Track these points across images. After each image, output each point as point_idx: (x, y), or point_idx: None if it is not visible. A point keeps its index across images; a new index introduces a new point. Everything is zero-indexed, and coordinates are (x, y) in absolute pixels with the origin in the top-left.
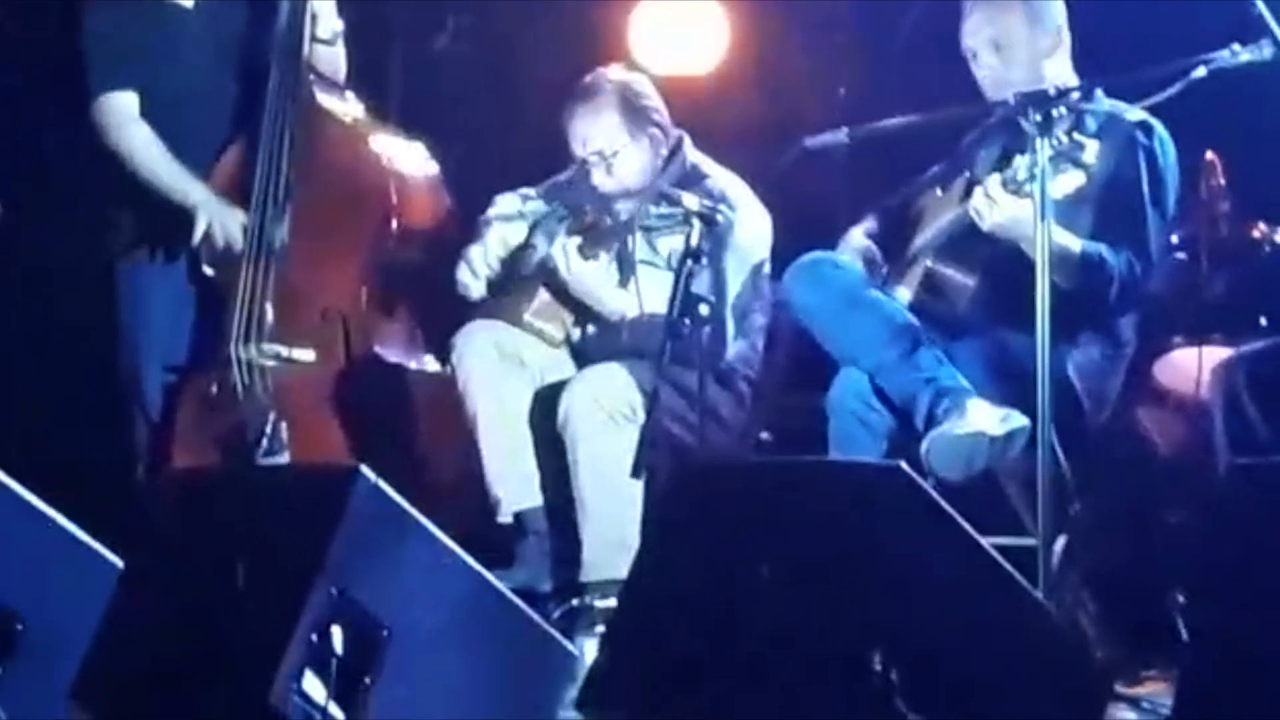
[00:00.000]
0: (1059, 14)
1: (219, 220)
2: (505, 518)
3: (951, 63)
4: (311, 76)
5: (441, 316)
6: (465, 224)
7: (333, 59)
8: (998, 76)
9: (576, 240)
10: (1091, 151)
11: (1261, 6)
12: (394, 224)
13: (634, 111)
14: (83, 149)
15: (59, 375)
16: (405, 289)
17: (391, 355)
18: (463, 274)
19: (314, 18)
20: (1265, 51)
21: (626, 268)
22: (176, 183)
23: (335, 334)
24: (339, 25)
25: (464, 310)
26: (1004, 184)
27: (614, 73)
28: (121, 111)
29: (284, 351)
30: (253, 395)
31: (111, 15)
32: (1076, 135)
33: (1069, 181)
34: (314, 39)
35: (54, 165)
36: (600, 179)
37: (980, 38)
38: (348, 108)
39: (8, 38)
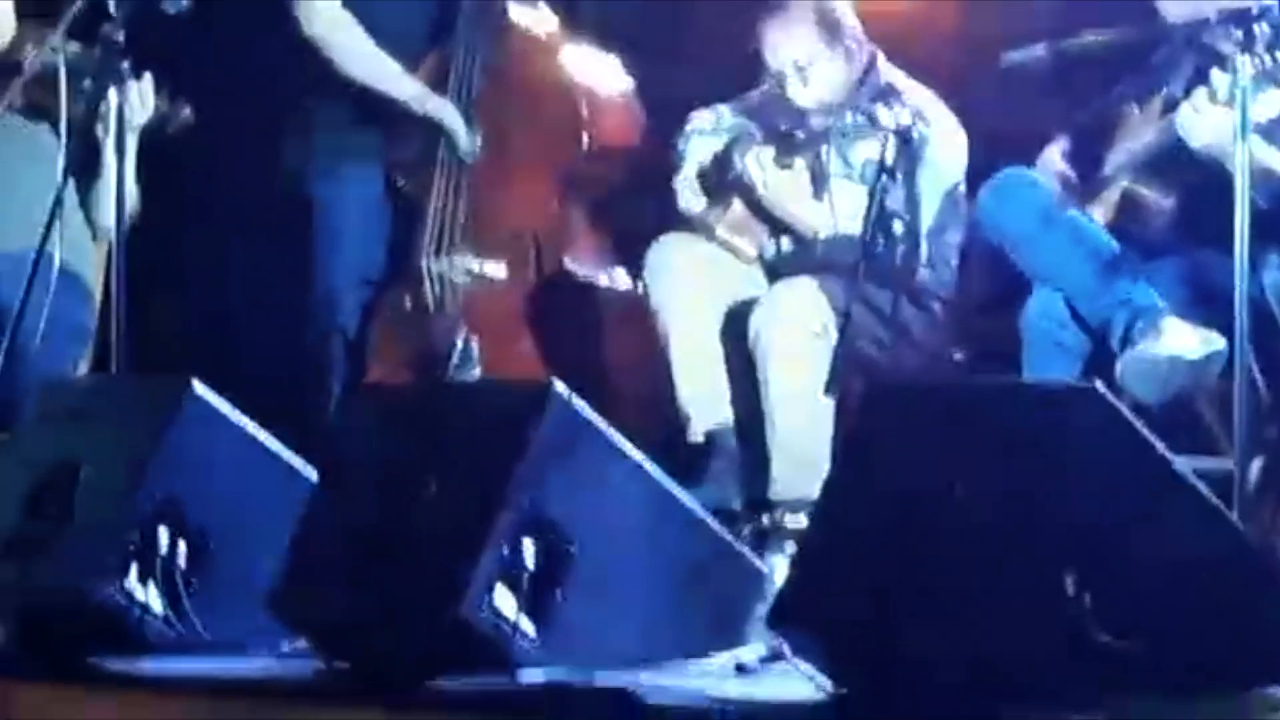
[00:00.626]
0: None
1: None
2: (696, 436)
3: None
4: None
5: (633, 231)
6: (660, 139)
7: None
8: None
9: (771, 152)
10: None
11: None
12: (585, 139)
13: (830, 23)
14: (277, 49)
15: (254, 289)
16: (597, 203)
17: (583, 271)
18: (684, 200)
19: None
20: None
21: (821, 181)
22: (400, 83)
23: (526, 249)
24: None
25: (657, 224)
26: (1210, 98)
27: None
28: (330, 8)
29: (475, 266)
30: (444, 310)
31: None
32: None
33: (1273, 101)
34: None
35: (246, 68)
36: (795, 91)
37: None
38: (540, 20)
39: None
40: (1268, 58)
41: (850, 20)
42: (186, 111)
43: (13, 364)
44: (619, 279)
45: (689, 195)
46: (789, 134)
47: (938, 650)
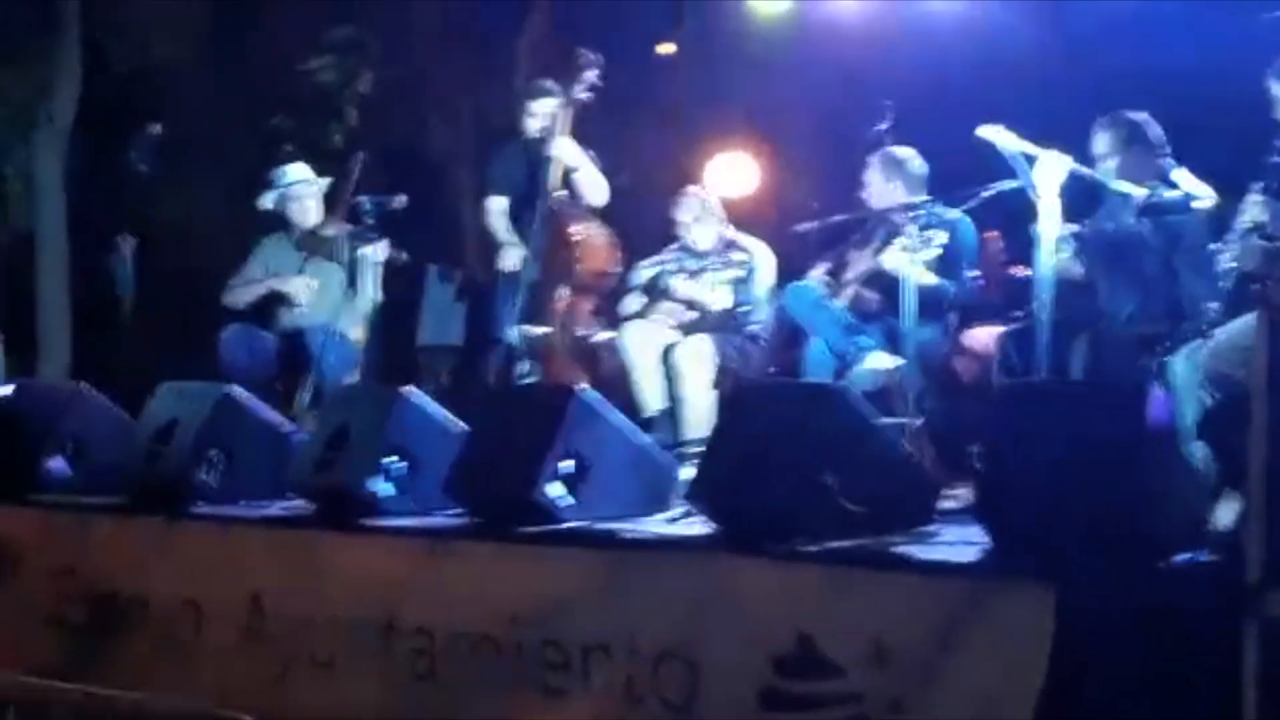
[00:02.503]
0: (919, 167)
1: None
2: (648, 412)
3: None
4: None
5: (612, 313)
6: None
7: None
8: (881, 196)
9: (684, 274)
10: (939, 237)
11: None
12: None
13: (706, 205)
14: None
15: None
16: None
17: (588, 334)
18: (628, 302)
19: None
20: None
21: (706, 285)
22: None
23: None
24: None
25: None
26: (901, 249)
27: (694, 189)
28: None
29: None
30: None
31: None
32: (930, 231)
33: (929, 252)
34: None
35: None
36: (690, 239)
37: (872, 172)
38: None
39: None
40: (924, 231)
41: (716, 204)
42: (404, 256)
43: (320, 381)
44: (605, 338)
45: (635, 300)
46: (691, 263)
47: (763, 510)
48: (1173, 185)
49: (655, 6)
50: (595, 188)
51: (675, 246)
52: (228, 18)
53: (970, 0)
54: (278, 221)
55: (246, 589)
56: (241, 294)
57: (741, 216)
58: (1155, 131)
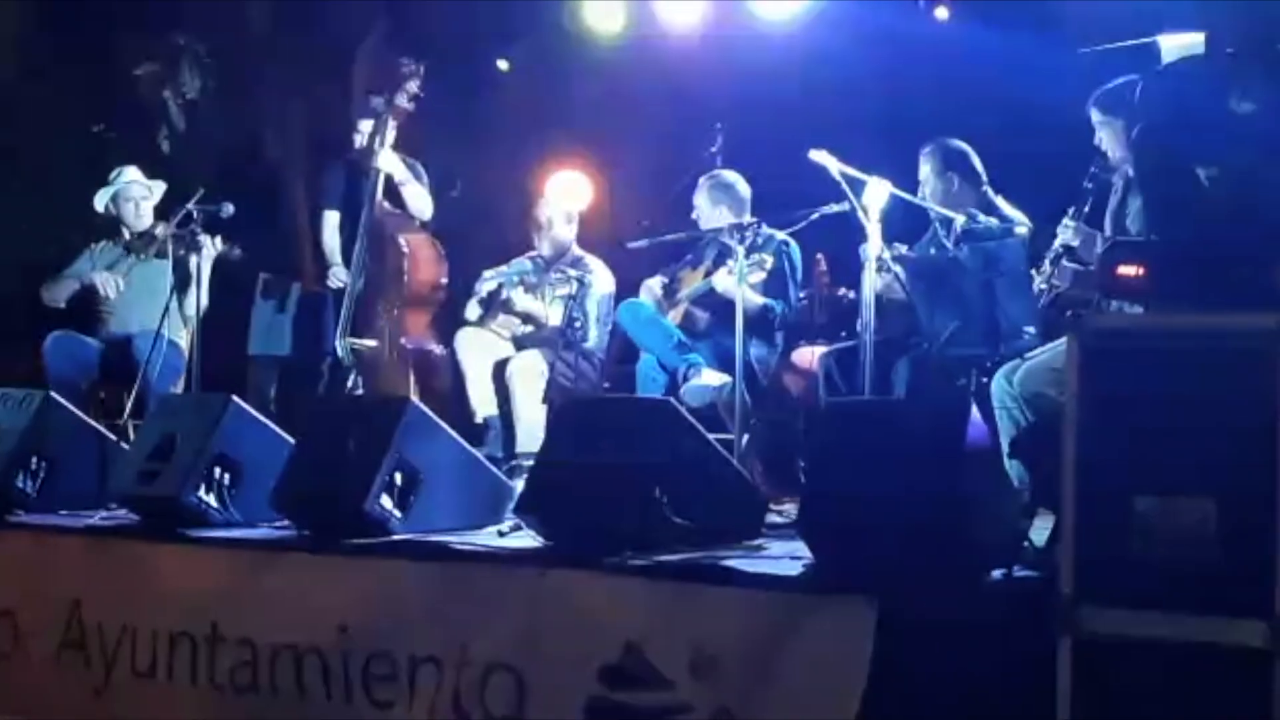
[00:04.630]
0: (745, 190)
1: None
2: (479, 420)
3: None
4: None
5: (449, 323)
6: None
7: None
8: (709, 218)
9: (522, 288)
10: (767, 259)
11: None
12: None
13: (559, 221)
14: None
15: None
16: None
17: (419, 345)
18: (470, 312)
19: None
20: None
21: (544, 300)
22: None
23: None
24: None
25: (459, 321)
26: (728, 271)
27: (550, 200)
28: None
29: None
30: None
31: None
32: (759, 254)
33: (758, 273)
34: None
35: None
36: (540, 249)
37: (700, 195)
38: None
39: None
40: (752, 254)
41: (562, 218)
42: (237, 251)
43: (145, 387)
44: (440, 349)
45: (474, 308)
46: (531, 276)
47: (593, 523)
48: (992, 211)
49: (492, 23)
50: (420, 201)
51: (523, 257)
52: (51, 26)
53: (801, 28)
54: (110, 225)
55: (66, 598)
56: (57, 290)
57: (578, 233)
58: (975, 160)
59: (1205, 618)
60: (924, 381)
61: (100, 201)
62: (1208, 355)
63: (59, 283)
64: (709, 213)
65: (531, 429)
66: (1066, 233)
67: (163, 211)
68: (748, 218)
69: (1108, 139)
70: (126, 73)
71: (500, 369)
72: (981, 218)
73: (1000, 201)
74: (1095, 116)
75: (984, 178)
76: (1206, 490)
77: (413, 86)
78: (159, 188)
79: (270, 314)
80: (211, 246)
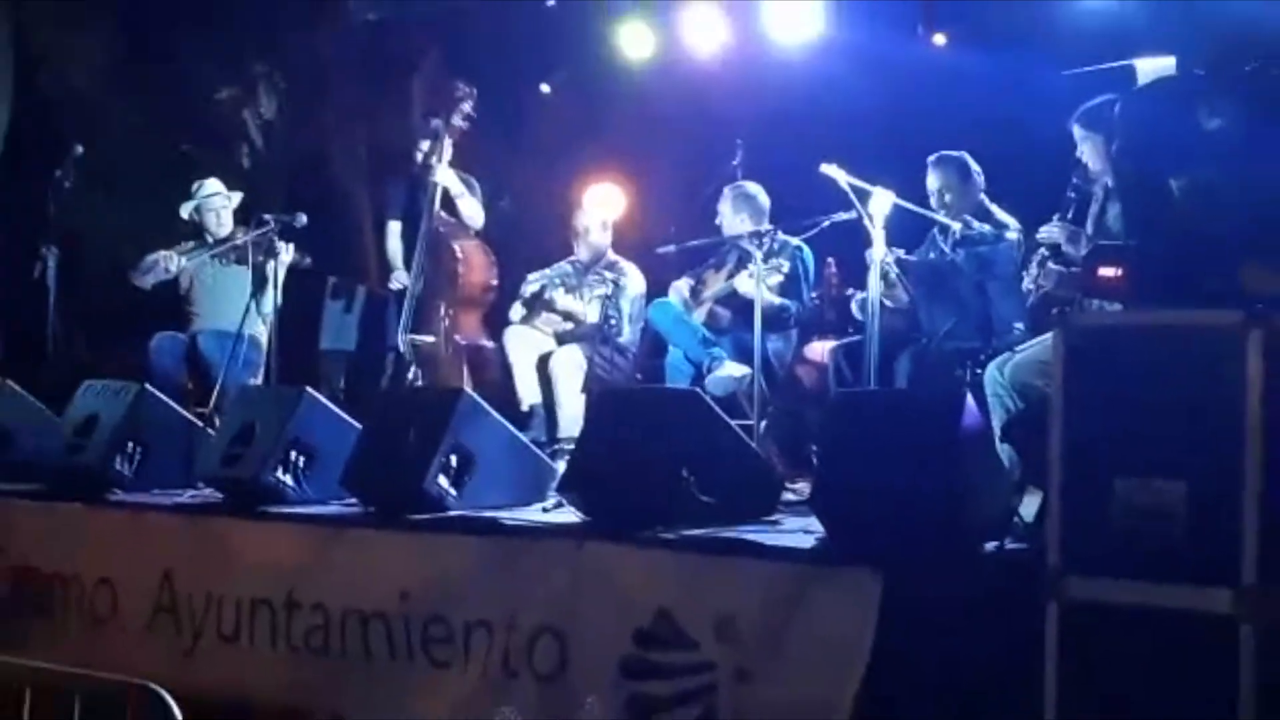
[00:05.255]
0: (764, 200)
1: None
2: (525, 408)
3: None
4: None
5: (498, 322)
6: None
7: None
8: (731, 225)
9: (563, 289)
10: (783, 263)
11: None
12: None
13: (595, 229)
14: None
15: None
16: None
17: (473, 341)
18: (515, 313)
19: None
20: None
21: (584, 299)
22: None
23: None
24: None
25: (506, 319)
26: (748, 274)
27: (588, 209)
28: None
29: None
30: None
31: None
32: (776, 258)
33: (775, 276)
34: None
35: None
36: (579, 253)
37: (724, 203)
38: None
39: None
40: (770, 258)
41: (599, 225)
42: (307, 260)
43: (228, 381)
44: (487, 345)
45: (519, 308)
46: (571, 278)
47: (627, 501)
48: (987, 217)
49: (537, 51)
50: (474, 211)
51: (563, 261)
52: (139, 50)
53: (813, 52)
54: (195, 231)
55: (158, 569)
56: (146, 277)
57: (612, 239)
58: (975, 168)
59: (1178, 586)
60: (923, 373)
61: (185, 211)
62: (1180, 349)
63: (147, 273)
64: (731, 219)
65: (572, 416)
66: (1054, 231)
67: (242, 219)
68: (766, 225)
69: (1089, 152)
70: (207, 97)
71: (544, 362)
72: (976, 224)
73: (994, 207)
74: (1077, 132)
75: (983, 183)
76: (1180, 471)
77: (466, 108)
78: (237, 197)
79: (339, 314)
80: (286, 254)
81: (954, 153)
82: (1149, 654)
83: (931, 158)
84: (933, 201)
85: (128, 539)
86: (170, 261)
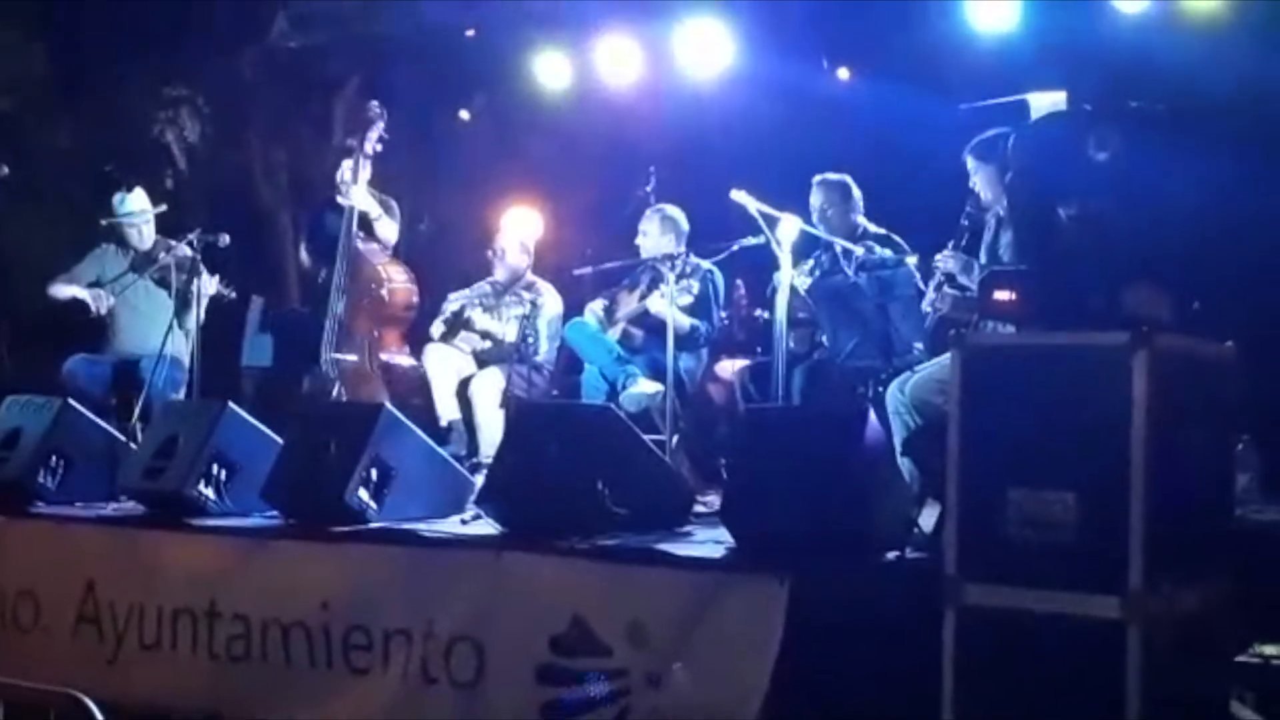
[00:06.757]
0: (685, 223)
1: None
2: (444, 424)
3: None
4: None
5: (417, 339)
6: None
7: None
8: (657, 245)
9: (481, 308)
10: (694, 285)
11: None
12: (387, 298)
13: (512, 250)
14: None
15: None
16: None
17: (392, 359)
18: (434, 327)
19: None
20: (761, 238)
21: (501, 319)
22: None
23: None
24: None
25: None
26: (660, 295)
27: (508, 232)
28: None
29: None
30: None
31: None
32: (687, 280)
33: (686, 297)
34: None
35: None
36: (497, 274)
37: (650, 223)
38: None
39: None
40: (681, 279)
41: (517, 247)
42: (232, 293)
43: (150, 397)
44: (408, 362)
45: (439, 326)
46: (490, 299)
47: (543, 512)
48: (865, 236)
49: (457, 79)
50: (388, 233)
51: (483, 281)
52: (68, 74)
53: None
54: (116, 239)
55: (81, 580)
56: (61, 289)
57: (531, 261)
58: (856, 192)
59: (1069, 593)
60: (816, 388)
61: (105, 222)
62: (1070, 367)
63: (64, 285)
64: (658, 240)
65: (491, 439)
66: (947, 261)
67: (166, 232)
68: (682, 248)
69: (981, 182)
70: (131, 119)
71: (464, 386)
72: (878, 249)
73: (872, 226)
74: (971, 163)
75: (860, 205)
76: (1070, 483)
77: (377, 130)
78: (158, 209)
79: (256, 331)
80: (211, 286)
81: (836, 175)
82: (1042, 657)
83: (816, 178)
84: (814, 218)
85: (51, 550)
86: (100, 302)
